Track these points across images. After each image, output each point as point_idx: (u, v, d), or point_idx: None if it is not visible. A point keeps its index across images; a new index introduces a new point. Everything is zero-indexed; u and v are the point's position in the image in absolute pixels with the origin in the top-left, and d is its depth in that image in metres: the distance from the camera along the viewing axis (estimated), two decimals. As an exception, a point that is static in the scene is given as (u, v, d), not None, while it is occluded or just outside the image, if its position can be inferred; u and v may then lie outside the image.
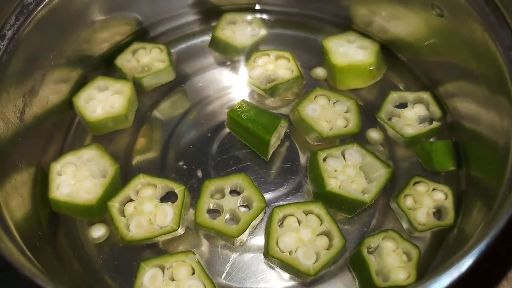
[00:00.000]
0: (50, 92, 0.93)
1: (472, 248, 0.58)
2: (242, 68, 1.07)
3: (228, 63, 1.09)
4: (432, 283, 0.57)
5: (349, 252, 0.83)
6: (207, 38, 1.11)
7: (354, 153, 0.87)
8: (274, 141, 0.92)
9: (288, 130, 0.96)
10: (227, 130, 0.98)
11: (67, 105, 0.98)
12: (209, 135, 0.98)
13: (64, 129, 0.98)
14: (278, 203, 0.88)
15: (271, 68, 1.01)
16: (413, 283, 0.75)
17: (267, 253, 0.79)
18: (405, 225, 0.85)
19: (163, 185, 0.86)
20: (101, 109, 0.95)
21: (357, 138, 0.94)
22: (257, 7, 1.14)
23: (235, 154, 0.95)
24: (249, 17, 1.11)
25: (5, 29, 0.82)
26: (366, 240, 0.80)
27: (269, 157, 0.92)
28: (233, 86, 1.05)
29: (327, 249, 0.78)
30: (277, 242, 0.79)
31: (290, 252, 0.78)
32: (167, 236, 0.83)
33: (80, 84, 0.99)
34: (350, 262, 0.82)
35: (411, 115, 0.95)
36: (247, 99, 1.01)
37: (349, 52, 1.02)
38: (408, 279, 0.76)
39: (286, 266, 0.79)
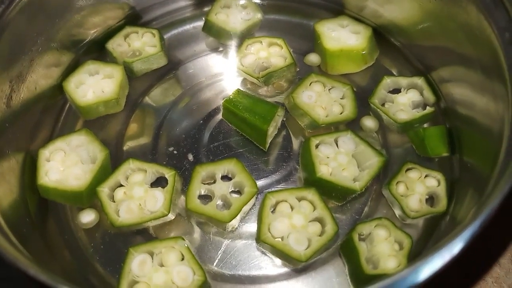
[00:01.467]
0: (39, 78, 0.90)
1: (463, 230, 0.56)
2: (235, 55, 1.04)
3: (221, 49, 1.05)
4: (424, 264, 0.55)
5: (341, 239, 0.81)
6: (199, 23, 1.08)
7: (347, 140, 0.84)
8: (272, 131, 0.89)
9: (284, 118, 0.93)
10: (219, 117, 0.96)
11: (57, 90, 0.95)
12: (201, 122, 0.95)
13: (54, 115, 0.95)
14: (270, 190, 0.86)
15: (264, 55, 0.98)
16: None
17: (259, 238, 0.77)
18: (397, 212, 0.83)
19: (153, 170, 0.83)
20: (92, 94, 0.92)
21: (351, 125, 0.91)
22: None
23: (227, 141, 0.93)
24: (243, 1, 1.08)
25: (-11, 12, 0.79)
26: (358, 227, 0.78)
27: (267, 147, 0.90)
28: (225, 72, 1.02)
29: (320, 236, 0.76)
30: (269, 228, 0.77)
31: (282, 238, 0.76)
32: (157, 221, 0.80)
33: (71, 69, 0.96)
34: (341, 248, 0.80)
35: (405, 101, 0.92)
36: (240, 87, 0.99)
37: (342, 36, 0.99)
38: (398, 268, 0.73)
39: (278, 252, 0.76)
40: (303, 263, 0.75)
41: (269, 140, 0.89)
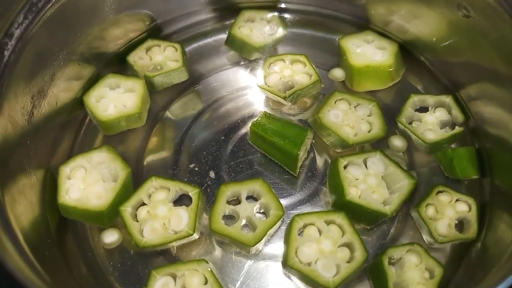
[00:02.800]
0: (60, 92, 0.88)
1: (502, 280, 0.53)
2: (257, 69, 1.02)
3: (242, 63, 1.03)
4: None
5: (368, 261, 0.78)
6: (221, 37, 1.06)
7: (376, 161, 0.81)
8: (302, 154, 0.86)
9: (313, 141, 0.91)
10: (240, 133, 0.93)
11: (77, 105, 0.93)
12: (222, 138, 0.93)
13: (73, 130, 0.93)
14: (294, 211, 0.84)
15: (288, 73, 0.95)
16: None
17: (286, 263, 0.74)
18: (425, 236, 0.80)
19: (176, 188, 0.81)
20: (113, 108, 0.90)
21: (377, 144, 0.88)
22: (280, 5, 1.08)
23: (248, 158, 0.90)
24: (268, 15, 1.05)
25: (13, 27, 0.76)
26: (389, 251, 0.75)
27: (297, 171, 0.87)
28: (247, 87, 1.00)
29: (348, 262, 0.73)
30: (296, 252, 0.74)
31: (309, 264, 0.73)
32: (182, 241, 0.78)
33: (92, 82, 0.94)
34: (369, 270, 0.77)
35: (433, 120, 0.89)
36: (262, 103, 0.96)
37: (367, 52, 0.96)
38: None
39: (305, 278, 0.74)
40: None
41: (299, 164, 0.86)
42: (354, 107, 0.90)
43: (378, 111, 0.89)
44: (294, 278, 0.77)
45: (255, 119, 0.88)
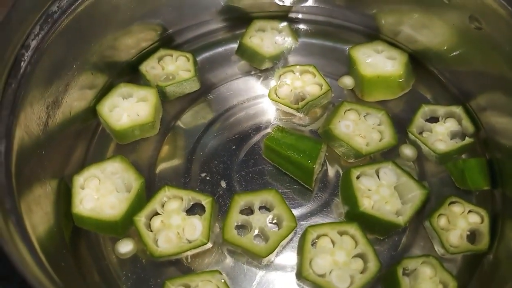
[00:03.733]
0: (73, 101, 0.88)
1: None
2: (268, 78, 1.02)
3: (253, 72, 1.03)
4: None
5: (381, 272, 0.77)
6: (231, 46, 1.06)
7: (389, 172, 0.81)
8: (317, 168, 0.86)
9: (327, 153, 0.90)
10: (251, 142, 0.93)
11: (90, 114, 0.93)
12: (234, 147, 0.93)
13: (86, 139, 0.93)
14: (305, 221, 0.84)
15: (299, 85, 0.94)
16: None
17: (301, 275, 0.74)
18: (436, 246, 0.80)
19: (189, 197, 0.81)
20: (126, 117, 0.90)
21: (388, 154, 0.88)
22: (290, 15, 1.09)
23: (259, 168, 0.90)
24: (279, 25, 1.05)
25: (29, 39, 0.76)
26: (404, 261, 0.74)
27: (313, 185, 0.87)
28: (258, 97, 0.99)
29: (362, 273, 0.73)
30: (310, 264, 0.74)
31: (324, 275, 0.73)
32: (195, 250, 0.78)
33: (105, 92, 0.94)
34: (383, 280, 0.77)
35: (443, 130, 0.89)
36: (273, 113, 0.96)
37: (378, 62, 0.96)
38: None
39: None
40: None
41: (314, 178, 0.86)
42: (364, 116, 0.90)
43: (388, 120, 0.88)
44: (306, 289, 0.78)
45: (268, 133, 0.88)
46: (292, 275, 0.79)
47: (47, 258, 0.68)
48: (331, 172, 0.89)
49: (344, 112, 0.90)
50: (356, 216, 0.78)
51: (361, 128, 0.88)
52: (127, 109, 0.91)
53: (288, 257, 0.80)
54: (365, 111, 0.90)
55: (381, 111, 0.89)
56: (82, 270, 0.80)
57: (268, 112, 0.97)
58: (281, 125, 0.90)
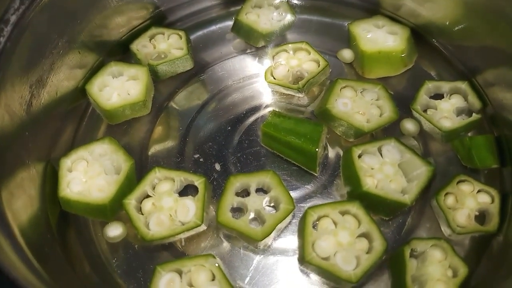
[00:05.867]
0: (60, 81, 0.83)
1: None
2: (264, 57, 0.96)
3: (249, 51, 0.97)
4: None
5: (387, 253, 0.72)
6: (226, 24, 1.00)
7: (392, 149, 0.75)
8: (320, 151, 0.79)
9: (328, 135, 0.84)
10: (247, 123, 0.88)
11: (79, 94, 0.88)
12: (229, 128, 0.87)
13: (75, 120, 0.88)
14: (304, 204, 0.78)
15: (295, 63, 0.89)
16: None
17: (303, 259, 0.68)
18: (443, 227, 0.74)
19: (181, 178, 0.76)
20: (117, 96, 0.85)
21: (390, 130, 0.82)
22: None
23: (256, 150, 0.84)
24: (276, 1, 0.99)
25: (9, 13, 0.71)
26: (413, 242, 0.69)
27: (317, 170, 0.81)
28: (254, 76, 0.94)
29: (368, 253, 0.68)
30: (313, 247, 0.68)
31: (328, 258, 0.68)
32: (189, 232, 0.73)
33: (94, 71, 0.89)
34: (389, 260, 0.72)
35: (448, 107, 0.83)
36: (270, 93, 0.90)
37: (378, 38, 0.90)
38: None
39: (325, 273, 0.68)
40: (354, 284, 0.67)
41: (318, 162, 0.80)
42: (360, 92, 0.84)
43: (385, 94, 0.83)
44: (306, 273, 0.72)
45: (265, 115, 0.82)
46: (294, 259, 0.74)
47: (30, 246, 0.63)
48: (331, 153, 0.83)
49: (340, 90, 0.84)
50: (359, 197, 0.72)
51: (359, 105, 0.82)
52: (118, 88, 0.86)
53: (288, 241, 0.75)
54: (361, 87, 0.84)
55: (377, 85, 0.83)
56: (71, 258, 0.74)
57: (265, 92, 0.91)
58: (277, 110, 0.84)
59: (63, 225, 0.77)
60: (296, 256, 0.74)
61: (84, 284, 0.72)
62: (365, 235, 0.69)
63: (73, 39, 0.84)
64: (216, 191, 0.80)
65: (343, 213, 0.71)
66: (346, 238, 0.68)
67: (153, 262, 0.74)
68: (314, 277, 0.72)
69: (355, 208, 0.70)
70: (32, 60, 0.75)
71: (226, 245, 0.76)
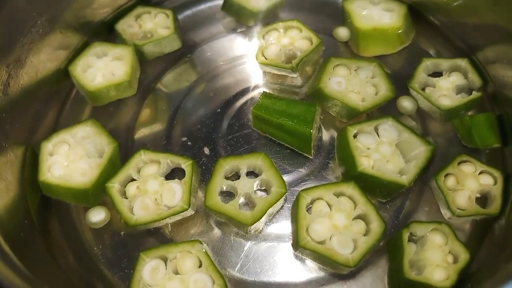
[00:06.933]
0: (41, 62, 0.79)
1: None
2: (255, 36, 0.91)
3: (239, 30, 0.93)
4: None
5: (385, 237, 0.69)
6: (215, 3, 0.96)
7: (389, 128, 0.71)
8: (314, 133, 0.75)
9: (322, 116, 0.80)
10: (237, 105, 0.84)
11: (62, 76, 0.84)
12: (219, 110, 0.83)
13: (58, 104, 0.84)
14: (298, 188, 0.74)
15: (287, 42, 0.84)
16: None
17: (297, 244, 0.65)
18: (443, 209, 0.71)
19: (167, 161, 0.72)
20: (101, 77, 0.81)
21: (387, 109, 0.78)
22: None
23: (246, 132, 0.80)
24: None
25: (-18, -12, 0.67)
26: (413, 225, 0.65)
27: (312, 152, 0.77)
28: (244, 56, 0.89)
29: (365, 235, 0.64)
30: (307, 231, 0.64)
31: (323, 242, 0.64)
32: (175, 217, 0.69)
33: (79, 52, 0.85)
34: (387, 243, 0.68)
35: (447, 85, 0.79)
36: (261, 74, 0.86)
37: (374, 14, 0.86)
38: (444, 282, 0.61)
39: (321, 258, 0.64)
40: (351, 269, 0.63)
41: (313, 144, 0.76)
42: (355, 70, 0.80)
43: (381, 71, 0.78)
44: (301, 259, 0.69)
45: (256, 97, 0.77)
46: (288, 245, 0.70)
47: (8, 239, 0.59)
48: (325, 135, 0.79)
49: (333, 68, 0.79)
50: (355, 178, 0.68)
51: (354, 84, 0.78)
52: (102, 68, 0.82)
53: (281, 227, 0.71)
54: (355, 65, 0.80)
55: (372, 63, 0.79)
56: (53, 250, 0.71)
57: (256, 72, 0.87)
58: (269, 91, 0.80)
59: (44, 212, 0.73)
60: (290, 242, 0.70)
61: (65, 271, 0.68)
62: (361, 217, 0.66)
63: (54, 18, 0.80)
64: (205, 176, 0.76)
65: (337, 194, 0.67)
66: (342, 221, 0.64)
67: (140, 250, 0.69)
68: (309, 263, 0.68)
69: (350, 189, 0.66)
70: (9, 38, 0.71)
71: (216, 232, 0.72)
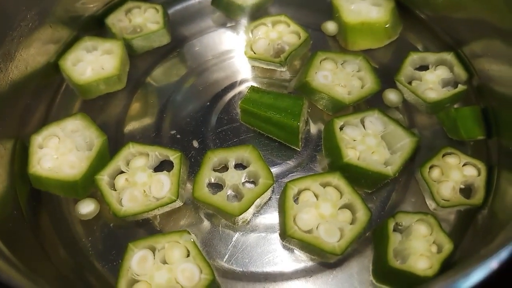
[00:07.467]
0: (31, 56, 0.79)
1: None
2: (244, 31, 0.91)
3: (229, 25, 0.93)
4: (462, 276, 0.45)
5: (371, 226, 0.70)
6: (205, -2, 0.96)
7: (375, 120, 0.72)
8: (301, 126, 0.76)
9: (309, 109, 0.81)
10: (226, 99, 0.84)
11: (52, 70, 0.84)
12: (208, 104, 0.83)
13: (48, 97, 0.84)
14: (285, 179, 0.75)
15: (275, 36, 0.85)
16: (430, 276, 0.61)
17: (285, 234, 0.65)
18: (428, 200, 0.71)
19: (156, 153, 0.73)
20: (91, 71, 0.82)
21: (374, 102, 0.79)
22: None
23: (235, 126, 0.81)
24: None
25: (-30, -20, 0.67)
26: (399, 215, 0.66)
27: (300, 145, 0.77)
28: (233, 50, 0.90)
29: (351, 224, 0.65)
30: (295, 220, 0.65)
31: (310, 231, 0.65)
32: (164, 208, 0.70)
33: (68, 47, 0.85)
34: (373, 232, 0.69)
35: (434, 78, 0.80)
36: (250, 69, 0.87)
37: (362, 9, 0.87)
38: (427, 271, 0.62)
39: (308, 247, 0.65)
40: (338, 256, 0.64)
41: (301, 137, 0.77)
42: (341, 64, 0.80)
43: (367, 65, 0.79)
44: (289, 249, 0.69)
45: (245, 91, 0.78)
46: (276, 236, 0.71)
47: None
48: (313, 128, 0.80)
49: (320, 62, 0.80)
50: (340, 169, 0.69)
51: (340, 77, 0.79)
52: (92, 62, 0.83)
53: (269, 218, 0.72)
54: (342, 59, 0.81)
55: (358, 57, 0.80)
56: (43, 242, 0.71)
57: (245, 66, 0.88)
58: (257, 85, 0.80)
59: (34, 205, 0.73)
60: (278, 232, 0.71)
61: (55, 263, 0.68)
62: (347, 206, 0.67)
63: (44, 12, 0.80)
64: (194, 168, 0.76)
65: (324, 185, 0.68)
66: (328, 210, 0.65)
67: (129, 241, 0.70)
68: (297, 252, 0.69)
69: (336, 179, 0.67)
70: (-2, 31, 0.71)
71: (206, 223, 0.72)
